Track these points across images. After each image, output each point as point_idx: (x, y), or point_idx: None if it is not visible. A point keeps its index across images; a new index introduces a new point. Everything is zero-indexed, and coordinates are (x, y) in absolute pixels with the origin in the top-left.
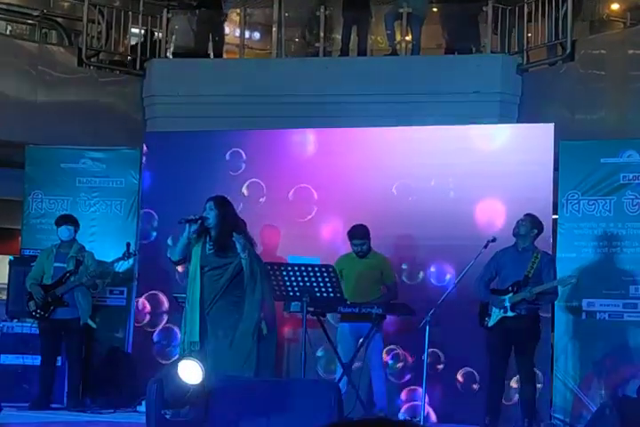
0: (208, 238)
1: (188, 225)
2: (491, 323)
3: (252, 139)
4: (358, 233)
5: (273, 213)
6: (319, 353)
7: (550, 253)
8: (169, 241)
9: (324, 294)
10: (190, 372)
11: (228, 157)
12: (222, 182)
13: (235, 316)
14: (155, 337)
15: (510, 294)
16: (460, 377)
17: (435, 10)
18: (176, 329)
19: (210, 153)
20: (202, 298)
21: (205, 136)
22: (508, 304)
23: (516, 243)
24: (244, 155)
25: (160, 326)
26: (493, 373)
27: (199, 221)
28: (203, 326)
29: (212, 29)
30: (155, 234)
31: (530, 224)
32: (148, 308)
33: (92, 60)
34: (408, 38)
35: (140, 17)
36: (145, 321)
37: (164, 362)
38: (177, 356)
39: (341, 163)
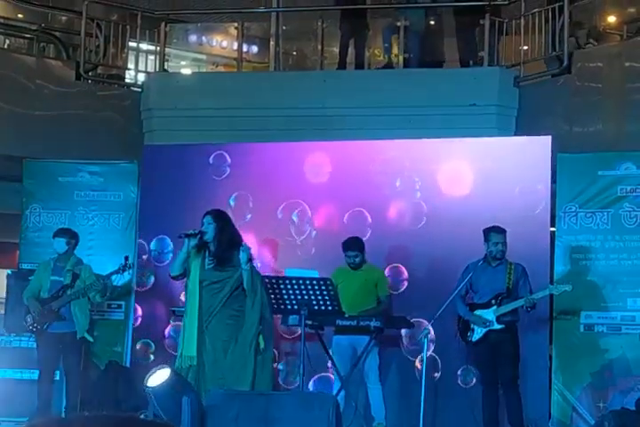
0: (207, 253)
1: (187, 240)
2: (475, 337)
3: (249, 152)
4: (352, 245)
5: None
6: (280, 366)
7: (548, 263)
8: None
9: (322, 308)
10: (156, 378)
11: (226, 170)
12: (219, 195)
13: (233, 329)
14: None
15: (494, 307)
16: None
17: (432, 23)
18: None
19: (208, 166)
20: (200, 312)
21: (203, 149)
22: (493, 317)
23: (489, 259)
24: (239, 167)
25: None
26: (486, 385)
27: (198, 236)
28: (201, 340)
29: None
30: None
31: (505, 239)
32: None
33: (90, 73)
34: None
35: (138, 31)
36: None
37: None
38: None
39: (337, 176)
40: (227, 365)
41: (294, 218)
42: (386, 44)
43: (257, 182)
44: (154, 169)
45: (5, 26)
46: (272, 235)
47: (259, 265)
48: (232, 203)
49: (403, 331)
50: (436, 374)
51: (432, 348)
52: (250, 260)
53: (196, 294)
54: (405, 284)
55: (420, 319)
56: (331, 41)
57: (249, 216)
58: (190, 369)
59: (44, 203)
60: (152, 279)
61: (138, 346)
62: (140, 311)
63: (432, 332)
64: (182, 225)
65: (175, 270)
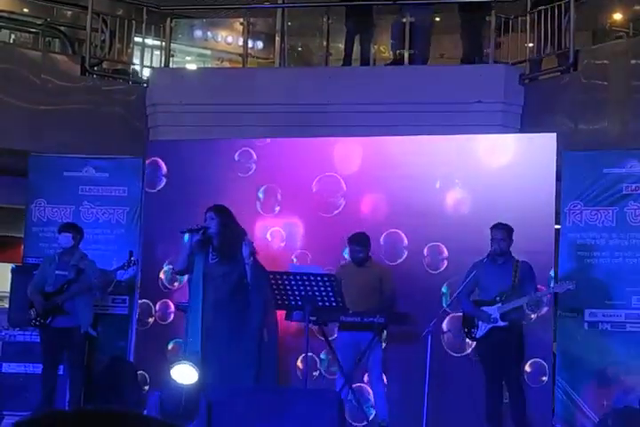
0: (211, 248)
1: (189, 235)
2: (479, 334)
3: (255, 147)
4: (357, 239)
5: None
6: (322, 356)
7: (552, 262)
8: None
9: (327, 304)
10: (184, 374)
11: (237, 160)
12: (226, 190)
13: (237, 324)
14: None
15: (499, 304)
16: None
17: (437, 20)
18: None
19: (213, 161)
20: (204, 307)
21: (208, 145)
22: (497, 315)
23: (493, 256)
24: (247, 164)
25: None
26: (490, 382)
27: (201, 231)
28: (205, 335)
29: None
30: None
31: (509, 238)
32: None
33: (96, 68)
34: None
35: (144, 26)
36: None
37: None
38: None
39: (342, 173)
40: (231, 359)
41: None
42: (392, 41)
43: (262, 177)
44: (161, 164)
45: (11, 20)
46: (303, 218)
47: (294, 260)
48: (261, 195)
49: (444, 326)
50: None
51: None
52: (253, 254)
53: (200, 288)
54: (445, 263)
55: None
56: (336, 37)
57: (277, 208)
58: (195, 364)
59: (49, 197)
60: (184, 278)
61: (170, 346)
62: (172, 311)
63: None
64: (188, 221)
65: (179, 265)
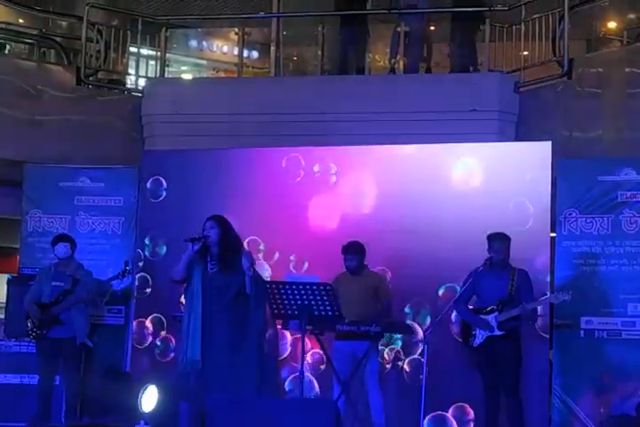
0: (209, 257)
1: (191, 244)
2: (477, 342)
3: (250, 158)
4: (349, 248)
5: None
6: None
7: (548, 269)
8: None
9: (323, 313)
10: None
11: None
12: (221, 201)
13: (238, 335)
14: None
15: (496, 313)
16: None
17: (432, 28)
18: None
19: (208, 172)
20: (203, 316)
21: (204, 155)
22: (494, 323)
23: (491, 265)
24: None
25: None
26: (487, 390)
27: (202, 241)
28: (205, 345)
29: None
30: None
31: (509, 247)
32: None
33: (91, 78)
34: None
35: (139, 36)
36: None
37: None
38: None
39: (335, 182)
40: (232, 370)
41: None
42: (387, 50)
43: (256, 189)
44: (155, 174)
45: (6, 31)
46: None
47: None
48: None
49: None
50: None
51: None
52: (252, 265)
53: (200, 297)
54: (531, 220)
55: None
56: (331, 46)
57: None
58: (194, 373)
59: (45, 208)
60: None
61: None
62: None
63: None
64: (181, 231)
65: (179, 275)
